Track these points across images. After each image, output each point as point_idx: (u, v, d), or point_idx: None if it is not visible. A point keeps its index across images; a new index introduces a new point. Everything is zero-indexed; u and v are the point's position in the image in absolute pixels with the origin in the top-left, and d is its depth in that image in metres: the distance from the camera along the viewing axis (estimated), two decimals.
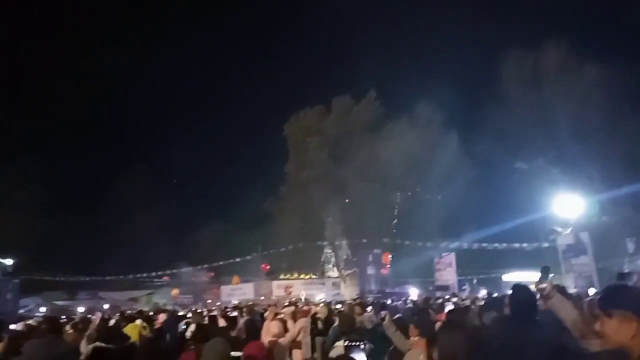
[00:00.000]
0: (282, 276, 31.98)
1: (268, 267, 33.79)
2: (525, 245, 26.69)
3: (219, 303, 25.20)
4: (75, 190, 40.83)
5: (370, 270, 27.83)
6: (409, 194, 34.83)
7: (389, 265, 28.06)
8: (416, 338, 4.04)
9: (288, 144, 37.10)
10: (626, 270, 17.91)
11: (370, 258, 28.62)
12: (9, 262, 27.26)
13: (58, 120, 45.44)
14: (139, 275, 32.43)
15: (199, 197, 46.14)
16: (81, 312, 22.42)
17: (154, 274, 31.79)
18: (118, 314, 14.99)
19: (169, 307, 22.06)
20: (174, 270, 32.03)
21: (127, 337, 6.01)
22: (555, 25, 29.66)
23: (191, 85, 57.62)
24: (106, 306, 28.31)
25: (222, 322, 9.14)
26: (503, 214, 28.39)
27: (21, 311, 25.36)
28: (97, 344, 3.88)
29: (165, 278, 34.10)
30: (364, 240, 31.27)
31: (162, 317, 11.62)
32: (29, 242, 30.92)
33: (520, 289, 3.63)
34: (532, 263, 25.08)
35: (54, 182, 37.76)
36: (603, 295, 2.13)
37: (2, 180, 32.49)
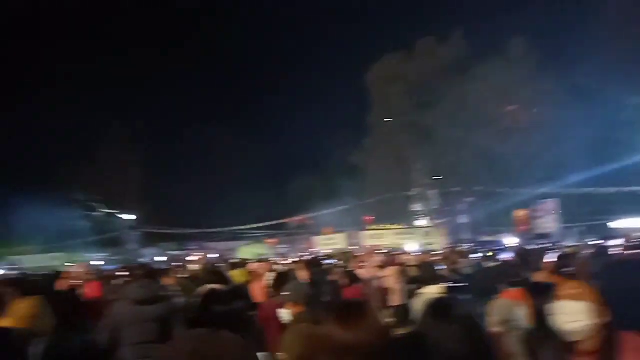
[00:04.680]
0: (373, 226, 32.45)
1: (369, 218, 33.83)
2: (638, 189, 24.22)
3: (310, 251, 26.41)
4: (180, 151, 44.22)
5: (463, 220, 27.21)
6: (503, 137, 32.82)
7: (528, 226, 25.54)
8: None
9: (371, 93, 36.42)
10: None
11: (462, 207, 27.91)
12: (132, 217, 31.77)
13: (157, 86, 49.33)
14: (237, 228, 34.91)
15: (286, 152, 47.45)
16: (190, 260, 25.06)
17: (254, 225, 34.03)
18: (225, 262, 16.81)
19: (270, 258, 23.67)
20: (272, 222, 34.03)
21: (230, 280, 6.73)
22: None
23: (270, 37, 57.97)
24: (214, 255, 31.01)
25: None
26: (612, 155, 25.85)
27: (142, 260, 28.95)
28: (213, 285, 4.08)
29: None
30: (456, 189, 30.41)
31: (253, 266, 12.76)
32: (147, 200, 35.90)
33: None
34: None
35: (161, 142, 41.77)
36: None
37: (117, 143, 37.03)
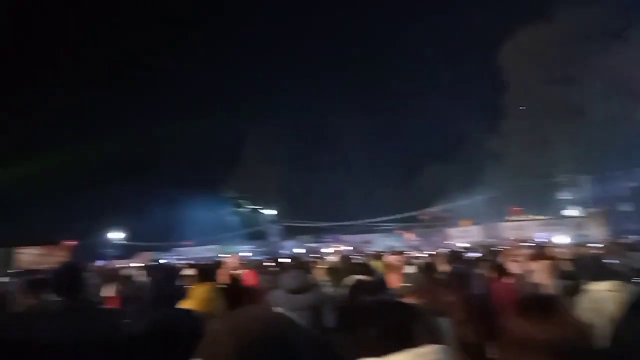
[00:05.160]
0: (514, 217, 30.17)
1: (517, 209, 31.53)
2: None
3: (444, 243, 25.56)
4: (315, 148, 46.33)
5: (626, 207, 23.65)
6: None
7: None
8: None
9: (506, 71, 33.72)
10: None
11: (624, 192, 24.31)
12: (273, 212, 34.63)
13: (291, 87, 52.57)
14: (369, 220, 35.40)
15: (419, 140, 46.32)
16: (326, 252, 26.07)
17: (385, 218, 34.25)
18: (359, 254, 17.16)
19: (403, 250, 23.50)
20: (404, 215, 33.85)
21: (374, 271, 6.82)
22: None
23: (404, 24, 56.88)
24: (348, 247, 31.87)
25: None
26: None
27: (282, 251, 31.09)
28: (359, 276, 4.32)
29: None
30: (614, 173, 26.66)
31: (390, 259, 12.77)
32: (286, 195, 38.79)
33: None
34: None
35: (297, 142, 44.34)
36: None
37: (258, 146, 40.58)
